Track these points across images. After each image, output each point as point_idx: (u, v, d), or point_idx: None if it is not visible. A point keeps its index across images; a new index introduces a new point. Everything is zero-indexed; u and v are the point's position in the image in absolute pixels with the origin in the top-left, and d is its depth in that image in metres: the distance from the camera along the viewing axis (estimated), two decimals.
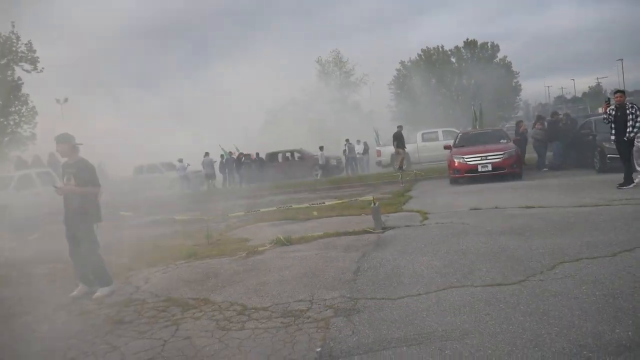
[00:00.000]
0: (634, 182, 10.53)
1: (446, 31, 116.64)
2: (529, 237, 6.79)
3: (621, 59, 78.51)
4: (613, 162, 12.97)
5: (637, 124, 10.54)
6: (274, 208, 10.98)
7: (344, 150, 27.50)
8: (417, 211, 10.14)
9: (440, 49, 50.49)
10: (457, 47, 50.38)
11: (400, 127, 22.24)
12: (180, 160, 26.33)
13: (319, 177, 25.81)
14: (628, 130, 10.56)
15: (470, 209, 9.66)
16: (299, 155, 28.36)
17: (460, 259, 6.03)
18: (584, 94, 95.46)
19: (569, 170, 15.60)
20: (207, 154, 26.67)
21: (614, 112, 10.81)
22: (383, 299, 4.95)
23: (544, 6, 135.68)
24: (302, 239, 8.45)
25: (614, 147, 11.32)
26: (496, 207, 9.54)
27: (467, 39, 50.47)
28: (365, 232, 8.43)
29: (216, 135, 30.37)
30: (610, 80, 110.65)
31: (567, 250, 5.86)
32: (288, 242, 8.22)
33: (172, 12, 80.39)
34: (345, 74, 53.42)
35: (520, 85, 51.70)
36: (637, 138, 10.85)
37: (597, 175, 13.58)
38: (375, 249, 7.08)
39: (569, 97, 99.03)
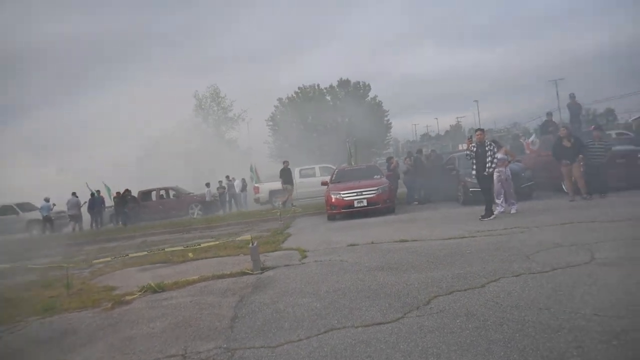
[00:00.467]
0: (494, 214, 11.36)
1: (322, 70, 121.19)
2: (404, 271, 6.93)
3: (477, 100, 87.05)
4: (475, 195, 13.95)
5: (495, 160, 11.45)
6: (145, 252, 10.26)
7: (219, 188, 26.89)
8: (296, 249, 10.03)
9: (316, 87, 52.11)
10: (331, 86, 52.35)
11: (286, 162, 22.27)
12: (47, 200, 24.11)
13: (195, 216, 24.93)
14: (487, 165, 11.42)
15: (348, 245, 9.75)
16: (174, 193, 27.25)
17: (341, 298, 5.95)
18: (446, 132, 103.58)
19: (436, 203, 16.54)
20: (74, 194, 24.72)
21: (475, 149, 11.66)
22: (262, 347, 4.67)
23: (408, 52, 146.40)
24: (175, 284, 7.91)
25: (476, 181, 12.18)
26: (372, 243, 9.72)
27: (341, 78, 52.71)
28: (244, 273, 8.11)
29: (82, 172, 28.34)
30: (469, 119, 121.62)
31: (441, 284, 6.03)
32: (160, 288, 7.64)
33: (32, 36, 74.71)
34: (223, 109, 53.05)
35: (390, 122, 54.72)
36: (497, 173, 11.78)
37: (461, 207, 14.51)
38: (254, 292, 6.79)
39: (433, 134, 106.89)
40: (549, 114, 17.76)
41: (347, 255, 8.65)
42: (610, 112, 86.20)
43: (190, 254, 10.87)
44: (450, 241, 8.93)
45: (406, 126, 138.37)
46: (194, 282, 7.96)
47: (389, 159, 20.17)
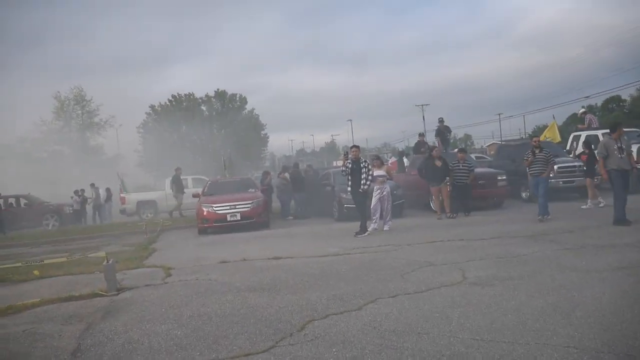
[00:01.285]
0: (368, 231, 11.35)
1: (198, 81, 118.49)
2: (277, 292, 6.44)
3: (351, 120, 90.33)
4: (350, 212, 13.97)
5: (370, 177, 11.47)
6: None
7: (80, 196, 24.56)
8: (161, 266, 9.13)
9: (191, 96, 50.46)
10: (207, 96, 51.01)
11: (178, 170, 20.80)
12: None
13: (51, 227, 22.48)
14: (362, 182, 11.40)
15: (218, 263, 9.07)
16: (25, 202, 24.36)
17: (206, 324, 5.30)
18: (321, 148, 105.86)
19: (311, 219, 16.37)
20: None
21: (350, 165, 11.60)
22: None
23: (287, 69, 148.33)
24: (10, 308, 6.69)
25: (351, 197, 12.14)
26: (244, 260, 9.15)
27: (217, 89, 51.59)
28: (96, 295, 7.11)
29: None
30: (343, 137, 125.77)
31: (316, 306, 5.63)
32: None
33: None
34: (88, 113, 49.29)
35: (267, 136, 54.53)
36: (378, 190, 11.83)
37: (336, 223, 14.45)
38: (105, 318, 5.89)
39: (308, 150, 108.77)
40: (421, 135, 18.54)
41: (216, 274, 7.98)
42: (468, 137, 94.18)
43: (36, 272, 9.45)
44: (325, 259, 8.64)
45: (283, 141, 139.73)
46: (34, 305, 6.80)
47: (265, 173, 19.72)
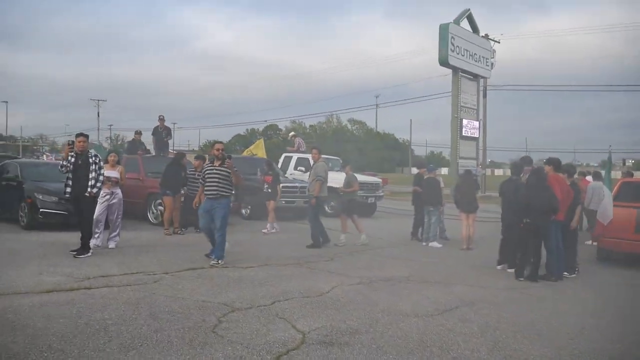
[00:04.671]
0: (91, 250, 8.48)
1: None
2: None
3: (6, 102, 76.97)
4: (48, 219, 10.83)
5: (101, 177, 8.63)
6: None
7: None
8: None
9: None
10: None
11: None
12: None
13: None
14: (90, 183, 8.44)
15: None
16: None
17: None
18: None
19: None
20: None
21: (73, 160, 8.52)
22: None
23: None
24: None
25: (52, 200, 9.12)
26: None
27: None
28: None
29: None
30: None
31: None
32: None
33: None
34: None
35: None
36: (104, 194, 9.00)
37: (25, 233, 10.63)
38: None
39: None
40: (138, 133, 15.68)
41: None
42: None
43: None
44: (55, 297, 5.70)
45: None
46: None
47: None
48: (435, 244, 11.11)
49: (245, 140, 79.97)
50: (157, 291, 6.15)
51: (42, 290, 5.94)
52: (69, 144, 8.73)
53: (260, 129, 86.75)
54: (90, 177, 8.48)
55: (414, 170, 19.24)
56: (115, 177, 9.33)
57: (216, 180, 8.12)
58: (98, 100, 79.03)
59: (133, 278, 6.82)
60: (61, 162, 8.77)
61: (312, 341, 4.58)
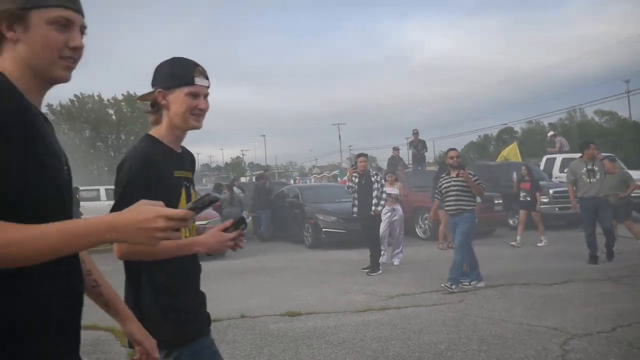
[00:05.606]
0: (380, 269, 8.60)
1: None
2: None
3: (264, 135, 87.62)
4: (329, 238, 11.33)
5: (384, 195, 8.74)
6: None
7: None
8: None
9: (97, 97, 45.06)
10: (115, 98, 45.70)
11: None
12: None
13: None
14: (374, 202, 8.63)
15: None
16: None
17: None
18: (226, 163, 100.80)
19: (273, 242, 13.31)
20: None
21: (357, 180, 8.84)
22: None
23: None
24: None
25: (331, 219, 9.34)
26: (243, 316, 6.03)
27: (127, 92, 46.43)
28: None
29: None
30: (251, 154, 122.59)
31: None
32: None
33: None
34: None
35: None
36: (387, 212, 9.15)
37: (310, 252, 11.51)
38: None
39: (213, 165, 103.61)
40: (396, 149, 16.13)
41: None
42: (373, 159, 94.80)
43: None
44: (372, 316, 5.76)
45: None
46: None
47: (217, 185, 16.02)
48: None
49: (479, 147, 76.45)
50: (469, 312, 5.78)
51: (356, 310, 6.08)
52: (352, 166, 9.09)
53: (494, 134, 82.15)
54: (374, 195, 8.67)
55: None
56: (396, 194, 9.41)
57: (454, 193, 7.30)
58: (339, 125, 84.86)
59: (435, 297, 6.60)
60: (348, 183, 9.21)
61: None
